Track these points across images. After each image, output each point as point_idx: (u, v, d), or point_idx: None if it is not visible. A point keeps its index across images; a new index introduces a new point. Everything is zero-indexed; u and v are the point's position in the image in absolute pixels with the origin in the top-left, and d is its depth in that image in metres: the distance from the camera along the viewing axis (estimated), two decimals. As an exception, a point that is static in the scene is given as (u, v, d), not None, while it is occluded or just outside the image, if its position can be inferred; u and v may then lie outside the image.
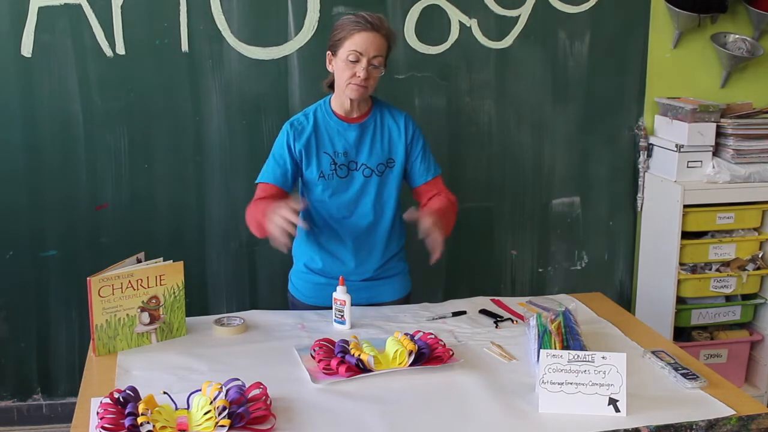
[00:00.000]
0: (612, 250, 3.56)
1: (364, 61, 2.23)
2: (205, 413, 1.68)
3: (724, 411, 1.81)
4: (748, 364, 3.45)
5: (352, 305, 2.26)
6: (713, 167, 3.24)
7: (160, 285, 2.14)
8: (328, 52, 2.31)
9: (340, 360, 1.94)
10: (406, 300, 2.55)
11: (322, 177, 2.34)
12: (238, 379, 1.79)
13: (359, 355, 1.94)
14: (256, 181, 2.38)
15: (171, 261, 2.17)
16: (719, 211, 3.25)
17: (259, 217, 2.20)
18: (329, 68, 2.33)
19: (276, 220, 2.08)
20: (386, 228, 2.43)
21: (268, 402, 1.75)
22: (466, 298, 2.50)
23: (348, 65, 2.24)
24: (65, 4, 2.92)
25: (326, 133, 2.35)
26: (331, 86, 2.38)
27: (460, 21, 3.20)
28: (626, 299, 3.60)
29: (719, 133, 3.27)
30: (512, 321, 2.33)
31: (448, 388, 1.90)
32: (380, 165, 2.38)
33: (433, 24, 3.18)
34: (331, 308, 2.27)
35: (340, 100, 2.34)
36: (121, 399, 1.72)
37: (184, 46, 3.03)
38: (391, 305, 2.45)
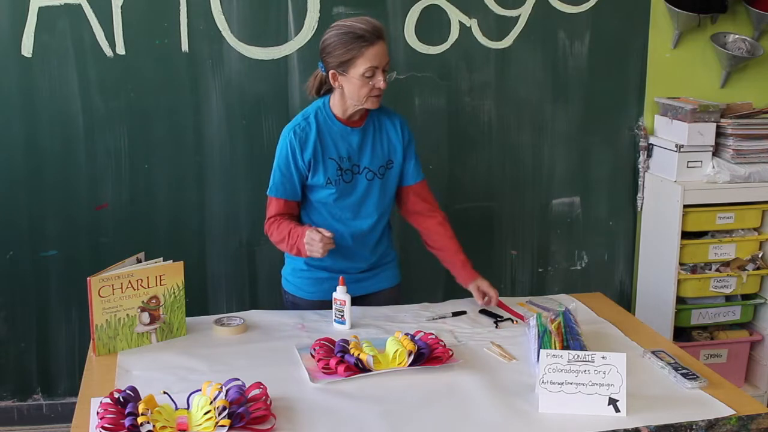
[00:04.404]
0: (612, 250, 3.55)
1: (380, 73, 2.23)
2: (205, 413, 1.68)
3: (724, 411, 1.81)
4: (748, 364, 3.45)
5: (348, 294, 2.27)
6: (713, 167, 3.24)
7: (160, 285, 2.14)
8: (332, 71, 2.25)
9: (338, 359, 1.94)
10: (398, 289, 2.57)
11: (329, 183, 2.34)
12: (238, 379, 1.79)
13: (358, 355, 1.95)
14: (267, 193, 2.38)
15: (171, 261, 2.17)
16: (719, 211, 3.25)
17: (295, 242, 2.28)
18: (334, 85, 2.29)
19: (317, 247, 2.22)
20: (384, 225, 2.48)
21: (268, 402, 1.75)
22: (466, 298, 2.49)
23: (365, 81, 2.22)
24: (65, 4, 2.91)
25: (330, 138, 2.34)
26: (318, 92, 2.37)
27: (460, 21, 3.20)
28: (626, 299, 3.59)
29: (719, 133, 3.27)
30: (512, 321, 2.33)
31: (448, 388, 1.90)
32: (381, 167, 2.40)
33: (433, 24, 3.18)
34: (331, 303, 2.27)
35: (345, 107, 2.32)
36: (121, 399, 1.72)
37: (184, 46, 3.03)
38: (391, 306, 2.45)
